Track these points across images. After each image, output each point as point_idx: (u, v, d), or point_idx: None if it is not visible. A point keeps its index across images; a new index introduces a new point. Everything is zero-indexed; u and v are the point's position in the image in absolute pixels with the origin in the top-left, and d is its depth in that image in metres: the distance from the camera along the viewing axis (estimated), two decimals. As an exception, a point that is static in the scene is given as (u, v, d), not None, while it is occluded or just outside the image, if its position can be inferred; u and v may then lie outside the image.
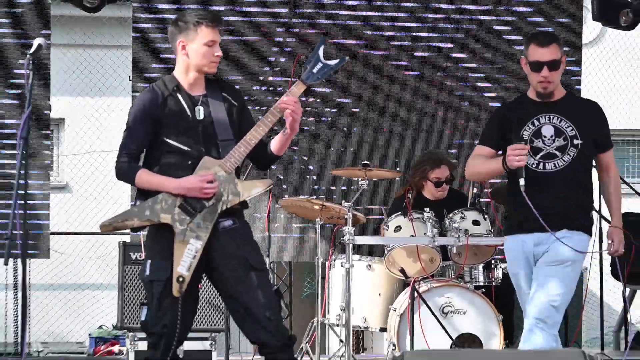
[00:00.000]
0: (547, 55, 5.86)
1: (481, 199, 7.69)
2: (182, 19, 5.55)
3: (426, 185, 8.07)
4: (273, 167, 8.18)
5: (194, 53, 5.51)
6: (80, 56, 12.63)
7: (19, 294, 5.39)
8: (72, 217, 11.97)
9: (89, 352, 8.52)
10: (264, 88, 8.83)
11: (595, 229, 7.19)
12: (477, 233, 7.50)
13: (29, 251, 5.44)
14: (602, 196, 6.16)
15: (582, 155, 5.87)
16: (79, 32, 12.31)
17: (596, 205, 6.79)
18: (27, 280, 5.38)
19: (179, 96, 5.53)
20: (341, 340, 7.67)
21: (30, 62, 5.29)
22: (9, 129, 8.44)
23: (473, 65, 9.17)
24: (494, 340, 7.33)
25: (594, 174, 6.04)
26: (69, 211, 12.14)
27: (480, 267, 7.76)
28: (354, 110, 9.04)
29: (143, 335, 5.78)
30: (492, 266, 7.69)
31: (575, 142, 5.85)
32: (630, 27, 9.07)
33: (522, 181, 5.77)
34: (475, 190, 7.74)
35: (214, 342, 7.23)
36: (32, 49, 5.35)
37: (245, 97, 5.73)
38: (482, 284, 7.74)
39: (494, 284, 7.69)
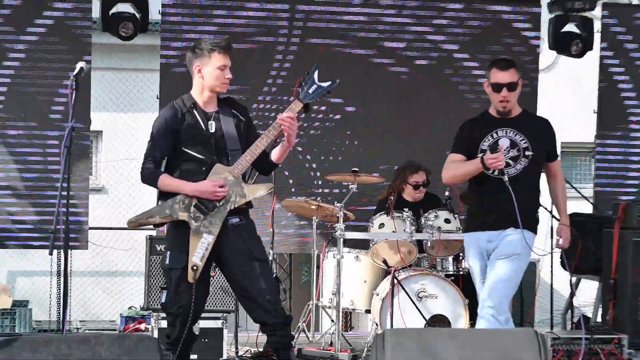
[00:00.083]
0: (506, 78, 5.85)
1: (451, 201, 7.66)
2: (198, 47, 5.54)
3: (406, 189, 8.04)
4: (286, 172, 8.25)
5: (208, 75, 5.49)
6: (116, 78, 12.61)
7: (62, 280, 5.35)
8: (107, 214, 11.95)
9: (120, 329, 8.47)
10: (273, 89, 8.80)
11: (548, 227, 7.18)
12: (448, 230, 7.48)
13: (71, 243, 5.41)
14: (551, 198, 6.13)
15: (532, 164, 5.85)
16: (115, 58, 12.29)
17: (548, 207, 6.77)
18: (69, 268, 5.36)
19: (195, 112, 5.51)
20: (332, 320, 7.64)
21: (74, 82, 5.29)
22: (53, 139, 8.41)
23: (459, 79, 9.07)
24: (461, 321, 7.30)
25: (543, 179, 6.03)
26: (104, 209, 12.13)
27: (450, 258, 7.73)
28: (349, 125, 8.97)
29: (165, 315, 5.75)
30: (460, 258, 7.65)
31: (527, 153, 5.84)
32: (579, 55, 9.07)
33: (505, 177, 5.75)
34: (447, 193, 7.72)
35: (225, 321, 7.19)
36: (75, 72, 5.37)
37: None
38: (451, 273, 7.70)
39: (461, 273, 7.66)
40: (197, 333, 5.63)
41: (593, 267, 7.79)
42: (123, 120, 12.75)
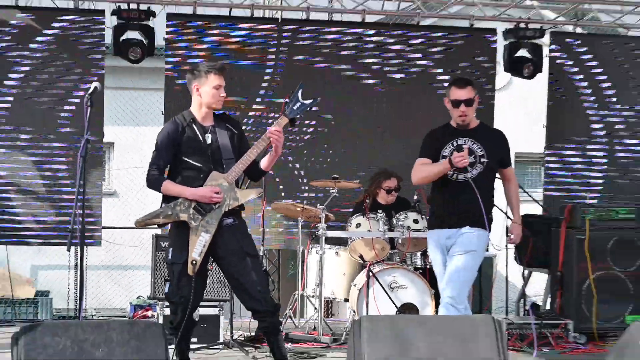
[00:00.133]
0: (464, 94, 5.85)
1: (420, 204, 7.68)
2: (196, 69, 5.56)
3: (380, 193, 8.04)
4: (277, 179, 8.21)
5: (205, 94, 5.51)
6: (126, 96, 12.62)
7: (78, 273, 5.34)
8: (118, 216, 11.91)
9: (130, 316, 8.44)
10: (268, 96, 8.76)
11: (503, 226, 7.17)
12: (416, 229, 7.49)
13: (86, 241, 5.39)
14: (506, 200, 6.15)
15: (487, 170, 5.86)
16: (125, 79, 12.27)
17: (504, 208, 6.79)
18: (84, 262, 5.35)
19: (194, 126, 5.53)
20: (315, 308, 7.64)
21: (89, 100, 5.29)
22: (61, 150, 8.34)
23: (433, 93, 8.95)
24: (428, 309, 7.31)
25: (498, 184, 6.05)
26: (116, 211, 12.10)
27: (419, 254, 7.74)
28: (332, 136, 8.95)
29: (168, 303, 5.75)
30: (427, 253, 7.65)
31: (482, 160, 5.84)
32: (530, 76, 9.09)
33: (469, 175, 5.76)
34: (415, 197, 7.73)
35: (221, 309, 7.18)
36: (90, 91, 5.36)
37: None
38: (419, 266, 7.71)
39: (428, 266, 7.64)
40: (196, 319, 5.64)
41: (543, 261, 7.82)
42: (132, 133, 12.75)
